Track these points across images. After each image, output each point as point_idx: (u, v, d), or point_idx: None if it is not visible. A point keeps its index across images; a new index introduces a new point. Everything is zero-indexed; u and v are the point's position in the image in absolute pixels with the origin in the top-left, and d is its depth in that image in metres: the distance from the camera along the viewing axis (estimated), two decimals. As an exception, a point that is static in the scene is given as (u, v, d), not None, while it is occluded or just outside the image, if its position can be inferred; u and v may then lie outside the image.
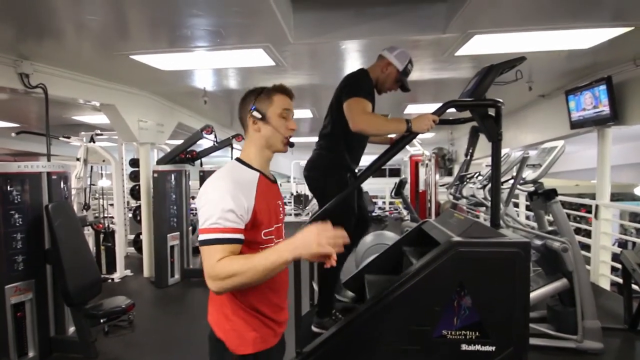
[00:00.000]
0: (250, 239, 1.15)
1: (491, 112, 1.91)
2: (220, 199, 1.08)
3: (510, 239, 1.74)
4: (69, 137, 5.10)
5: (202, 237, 1.08)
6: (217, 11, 2.38)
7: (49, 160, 3.32)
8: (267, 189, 1.22)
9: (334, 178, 2.08)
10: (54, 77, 3.60)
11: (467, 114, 2.08)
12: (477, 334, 1.75)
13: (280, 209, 1.31)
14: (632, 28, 2.72)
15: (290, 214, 9.36)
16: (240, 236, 1.10)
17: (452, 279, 1.74)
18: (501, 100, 1.81)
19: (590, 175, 9.66)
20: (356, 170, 2.29)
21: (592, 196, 4.62)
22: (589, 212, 4.72)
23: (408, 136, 1.86)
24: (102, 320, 3.07)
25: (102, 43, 3.07)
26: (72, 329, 3.12)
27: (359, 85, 2.01)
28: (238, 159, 1.26)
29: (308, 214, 9.29)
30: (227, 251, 1.07)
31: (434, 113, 1.82)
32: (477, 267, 1.74)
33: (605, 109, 3.89)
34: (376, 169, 1.96)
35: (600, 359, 2.79)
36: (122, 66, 3.64)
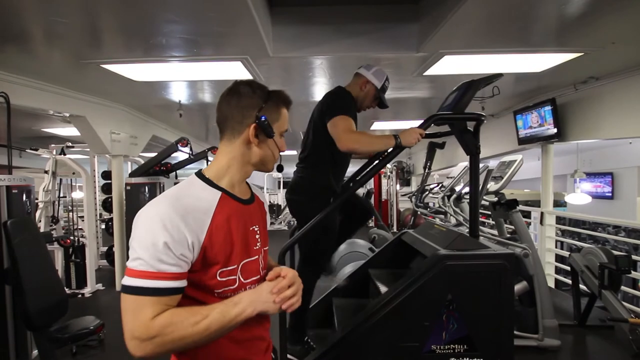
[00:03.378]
0: (202, 282, 0.81)
1: (469, 126, 1.81)
2: (153, 230, 0.74)
3: (496, 251, 1.60)
4: (36, 149, 4.53)
5: (126, 281, 0.75)
6: (193, 17, 2.11)
7: (10, 172, 2.85)
8: (234, 213, 0.86)
9: (317, 202, 1.85)
10: (17, 86, 3.14)
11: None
12: (465, 347, 1.59)
13: (258, 236, 0.93)
14: (581, 54, 2.76)
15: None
16: (180, 284, 0.77)
17: (440, 293, 1.57)
18: (484, 114, 1.69)
19: (525, 185, 10.13)
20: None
21: (525, 203, 4.75)
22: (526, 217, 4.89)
23: (395, 150, 1.70)
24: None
25: (71, 50, 2.69)
26: (35, 352, 2.65)
27: (343, 103, 1.85)
28: (199, 173, 0.89)
29: (281, 222, 8.99)
30: (162, 305, 0.74)
31: (419, 127, 1.68)
32: (465, 279, 1.59)
33: (550, 127, 3.98)
34: (362, 184, 1.78)
35: (559, 354, 2.76)
36: (93, 76, 3.24)
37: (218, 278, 0.82)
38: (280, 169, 1.03)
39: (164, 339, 0.73)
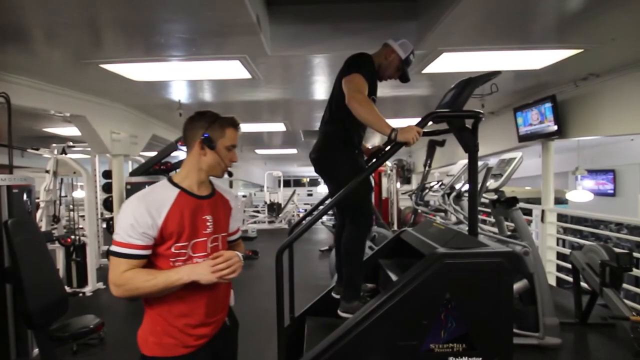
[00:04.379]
0: (161, 251, 1.17)
1: (467, 124, 1.78)
2: (127, 216, 1.12)
3: (494, 249, 1.59)
4: (37, 149, 4.53)
5: (111, 247, 1.14)
6: (191, 16, 2.11)
7: (10, 172, 2.85)
8: (188, 205, 1.20)
9: (344, 156, 1.88)
10: (18, 86, 3.14)
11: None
12: (463, 345, 1.57)
13: (209, 223, 1.24)
14: (581, 51, 2.74)
15: (264, 222, 9.02)
16: (142, 252, 1.13)
17: (438, 291, 1.55)
18: (482, 112, 1.67)
19: (526, 182, 10.08)
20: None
21: (527, 201, 4.73)
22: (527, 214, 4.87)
23: (394, 147, 1.68)
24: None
25: (71, 51, 2.68)
26: (36, 351, 2.65)
27: (362, 64, 1.86)
28: (168, 178, 1.25)
29: (281, 221, 8.98)
30: (131, 265, 1.12)
31: (417, 125, 1.66)
32: (463, 278, 1.57)
33: (550, 124, 3.95)
34: (364, 178, 1.76)
35: (560, 353, 2.74)
36: (93, 76, 3.24)
37: (172, 250, 1.17)
38: (229, 174, 1.32)
39: (127, 287, 1.12)
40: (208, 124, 1.22)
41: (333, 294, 2.03)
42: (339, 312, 1.89)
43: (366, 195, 1.92)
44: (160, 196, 1.17)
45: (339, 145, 1.91)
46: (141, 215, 1.11)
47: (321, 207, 1.89)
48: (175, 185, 1.22)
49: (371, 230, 2.00)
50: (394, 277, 1.86)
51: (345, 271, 1.93)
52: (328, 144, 1.94)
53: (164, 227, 1.14)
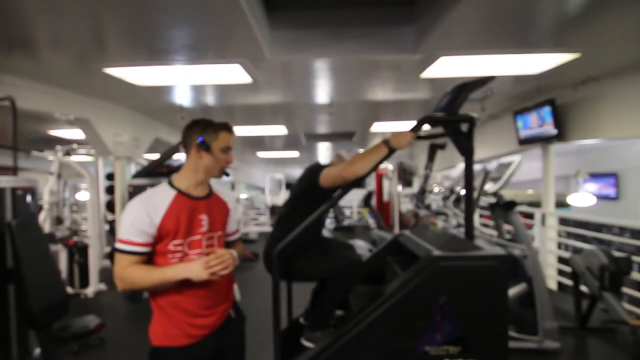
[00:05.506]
0: (160, 248, 1.28)
1: (464, 128, 1.80)
2: (128, 216, 1.25)
3: (489, 252, 1.60)
4: (41, 151, 4.59)
5: (115, 244, 1.26)
6: (191, 22, 2.14)
7: (15, 174, 2.90)
8: (185, 206, 1.30)
9: (305, 255, 1.82)
10: (23, 90, 3.19)
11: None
12: (459, 348, 1.58)
13: (204, 222, 1.34)
14: (578, 55, 2.75)
15: (264, 224, 9.03)
16: (141, 249, 1.24)
17: (433, 294, 1.57)
18: (476, 115, 1.69)
19: (529, 186, 10.03)
20: None
21: (529, 205, 4.72)
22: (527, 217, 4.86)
23: (388, 153, 1.70)
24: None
25: (75, 56, 2.73)
26: (37, 351, 2.68)
27: (323, 166, 1.91)
28: (168, 181, 1.36)
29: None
30: (132, 260, 1.24)
31: (411, 130, 1.67)
32: (458, 280, 1.58)
33: (550, 127, 3.95)
34: (352, 187, 1.77)
35: (559, 357, 2.73)
36: (97, 80, 3.29)
37: (169, 247, 1.28)
38: (226, 174, 1.40)
39: (127, 281, 1.24)
40: (202, 129, 1.33)
41: (300, 320, 1.96)
42: (302, 339, 1.80)
43: (328, 264, 1.79)
44: (159, 198, 1.29)
45: (302, 246, 1.80)
46: (141, 215, 1.23)
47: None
48: (173, 187, 1.33)
49: (359, 267, 1.92)
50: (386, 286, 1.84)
51: (320, 304, 1.84)
52: (291, 246, 1.74)
53: (161, 225, 1.25)
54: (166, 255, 1.28)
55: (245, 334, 1.53)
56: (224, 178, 1.44)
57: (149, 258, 1.28)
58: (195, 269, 1.23)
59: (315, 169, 1.86)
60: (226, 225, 1.45)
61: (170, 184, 1.34)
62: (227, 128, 1.36)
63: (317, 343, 1.72)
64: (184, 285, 1.25)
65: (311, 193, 1.81)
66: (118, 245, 1.24)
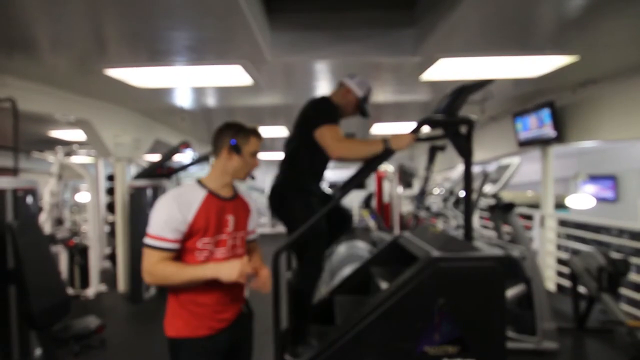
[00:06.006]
0: (188, 245, 1.32)
1: (463, 130, 1.82)
2: (161, 212, 1.27)
3: (488, 253, 1.61)
4: (42, 152, 4.61)
5: (145, 240, 1.27)
6: (191, 24, 2.16)
7: (16, 175, 2.91)
8: (214, 205, 1.35)
9: (298, 203, 1.87)
10: (24, 91, 3.20)
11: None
12: (457, 348, 1.60)
13: (230, 222, 1.39)
14: (577, 58, 2.77)
15: (264, 226, 9.04)
16: (172, 245, 1.27)
17: (432, 294, 1.58)
18: (475, 117, 1.71)
19: (529, 188, 10.05)
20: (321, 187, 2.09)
21: (529, 206, 4.73)
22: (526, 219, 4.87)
23: (387, 154, 1.72)
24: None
25: (76, 58, 2.75)
26: (38, 352, 2.69)
27: (327, 112, 1.84)
28: (198, 180, 1.40)
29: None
30: (162, 256, 1.26)
31: (411, 132, 1.69)
32: (456, 281, 1.59)
33: (549, 129, 3.97)
34: (354, 186, 1.79)
35: (557, 358, 2.75)
36: (98, 81, 3.31)
37: (197, 245, 1.32)
38: (252, 178, 1.45)
39: (157, 277, 1.27)
40: (235, 132, 1.39)
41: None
42: (285, 356, 1.79)
43: (317, 243, 1.86)
44: (191, 196, 1.33)
45: (294, 193, 1.90)
46: (174, 212, 1.26)
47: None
48: (204, 186, 1.37)
49: (320, 277, 1.96)
50: (384, 285, 1.86)
51: (291, 315, 1.86)
52: (283, 188, 1.93)
53: (193, 223, 1.29)
54: (194, 252, 1.32)
55: (252, 329, 1.59)
56: (249, 181, 1.50)
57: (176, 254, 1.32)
58: (226, 271, 1.26)
59: (314, 116, 1.83)
60: (248, 226, 1.51)
61: (200, 183, 1.39)
62: (257, 134, 1.42)
63: (299, 358, 1.75)
64: (207, 282, 1.30)
65: (309, 141, 1.81)
66: (148, 241, 1.26)
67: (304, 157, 1.88)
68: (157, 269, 1.25)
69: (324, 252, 1.91)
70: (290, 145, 1.97)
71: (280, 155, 2.02)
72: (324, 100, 1.93)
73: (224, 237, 1.38)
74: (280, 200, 1.92)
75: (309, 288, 1.89)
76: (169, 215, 1.26)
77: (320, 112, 1.84)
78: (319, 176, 2.02)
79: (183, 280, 1.27)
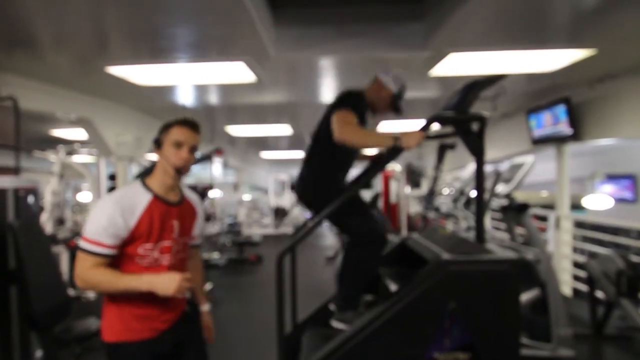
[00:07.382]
0: (129, 251, 1.28)
1: (474, 127, 1.79)
2: (101, 216, 1.22)
3: (501, 256, 1.59)
4: (43, 151, 4.66)
5: (80, 242, 1.24)
6: (196, 21, 2.17)
7: (17, 175, 2.95)
8: (159, 210, 1.31)
9: (324, 196, 1.85)
10: (25, 89, 3.24)
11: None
12: (468, 355, 1.57)
13: (175, 227, 1.36)
14: (595, 51, 2.72)
15: (268, 227, 9.06)
16: (108, 251, 1.24)
17: (442, 299, 1.56)
18: (487, 114, 1.68)
19: (544, 188, 9.92)
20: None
21: (544, 207, 4.66)
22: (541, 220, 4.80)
23: (395, 152, 1.70)
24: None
25: (78, 55, 2.77)
26: (39, 353, 2.72)
27: (349, 100, 1.85)
28: (143, 180, 1.35)
29: (290, 225, 9.00)
30: (97, 261, 1.23)
31: (421, 130, 1.67)
32: (467, 285, 1.57)
33: (565, 127, 3.91)
34: (364, 183, 1.78)
35: (573, 366, 2.70)
36: (99, 80, 3.33)
37: (138, 251, 1.28)
38: (181, 172, 1.37)
39: (89, 283, 1.23)
40: (162, 128, 1.36)
41: (329, 306, 2.00)
42: (331, 322, 1.86)
43: (360, 215, 1.86)
44: (135, 199, 1.29)
45: (319, 188, 1.91)
46: (115, 217, 1.22)
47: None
48: (149, 189, 1.33)
49: (384, 244, 1.93)
50: (393, 288, 1.85)
51: (345, 283, 1.91)
52: (309, 185, 1.94)
53: (135, 228, 1.26)
54: (134, 258, 1.29)
55: (201, 326, 1.59)
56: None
57: (113, 260, 1.28)
58: (161, 285, 1.22)
59: (335, 104, 1.83)
60: (193, 231, 1.49)
61: (145, 185, 1.34)
62: (180, 122, 1.34)
63: (348, 323, 1.75)
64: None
65: (329, 134, 1.80)
66: (83, 245, 1.23)
67: (326, 149, 1.88)
68: (90, 274, 1.22)
69: (372, 222, 1.88)
70: (315, 137, 1.99)
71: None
72: (350, 91, 1.93)
73: (168, 243, 1.34)
74: (314, 192, 1.92)
75: (370, 263, 1.90)
76: (110, 221, 1.21)
77: (341, 99, 1.86)
78: (343, 170, 2.02)
79: (116, 290, 1.24)
